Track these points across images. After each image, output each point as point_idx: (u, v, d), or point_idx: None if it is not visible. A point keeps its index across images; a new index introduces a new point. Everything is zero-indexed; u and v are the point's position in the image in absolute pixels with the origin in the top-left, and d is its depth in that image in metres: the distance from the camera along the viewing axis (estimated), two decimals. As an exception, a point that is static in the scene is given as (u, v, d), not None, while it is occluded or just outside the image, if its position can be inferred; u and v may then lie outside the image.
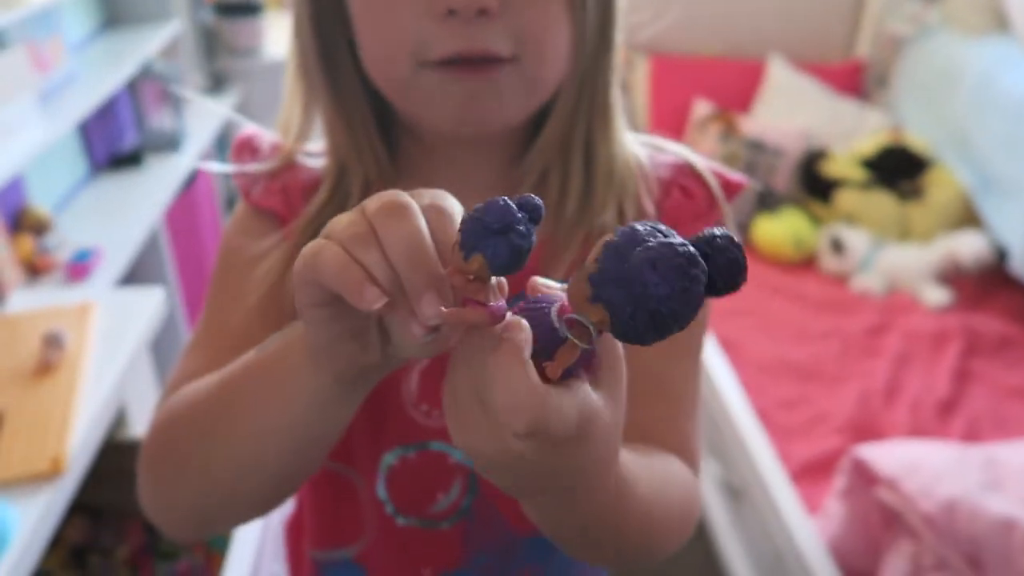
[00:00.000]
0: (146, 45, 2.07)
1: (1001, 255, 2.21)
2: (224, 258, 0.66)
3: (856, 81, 2.98)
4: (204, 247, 2.25)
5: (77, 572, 1.32)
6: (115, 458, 1.27)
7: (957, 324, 2.11)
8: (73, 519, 1.32)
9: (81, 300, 1.40)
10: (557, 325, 0.36)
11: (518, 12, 0.55)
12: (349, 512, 0.70)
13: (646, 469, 0.50)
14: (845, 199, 2.52)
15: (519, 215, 0.35)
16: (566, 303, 0.37)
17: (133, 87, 2.11)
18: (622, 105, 0.65)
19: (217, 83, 2.65)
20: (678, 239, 0.33)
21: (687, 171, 0.66)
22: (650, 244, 0.33)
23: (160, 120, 2.19)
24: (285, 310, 0.60)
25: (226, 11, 2.60)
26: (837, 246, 2.40)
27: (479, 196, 0.63)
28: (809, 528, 1.52)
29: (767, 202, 2.60)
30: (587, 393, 0.38)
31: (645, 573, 1.67)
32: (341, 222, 0.40)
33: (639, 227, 0.34)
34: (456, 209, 0.41)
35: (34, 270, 1.58)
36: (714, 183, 0.66)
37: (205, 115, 2.40)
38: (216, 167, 0.68)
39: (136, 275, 1.89)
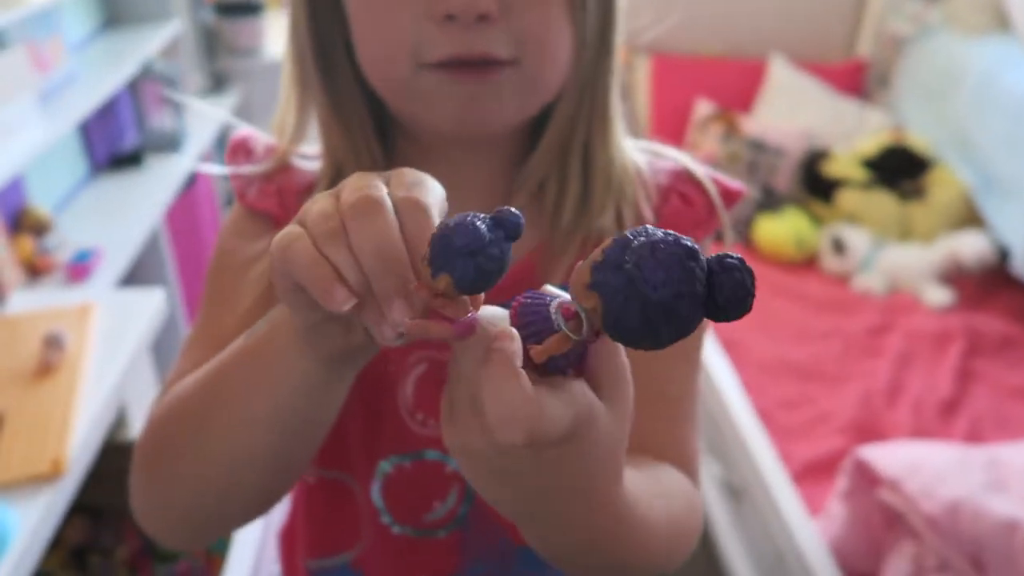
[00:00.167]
0: (146, 45, 2.07)
1: (1003, 255, 2.20)
2: (219, 260, 0.66)
3: (857, 81, 2.97)
4: (204, 247, 2.24)
5: (77, 573, 1.32)
6: (115, 459, 1.27)
7: (959, 324, 2.10)
8: (73, 520, 1.32)
9: (81, 301, 1.40)
10: (554, 318, 0.36)
11: (518, 16, 0.54)
12: (345, 518, 0.69)
13: (646, 489, 0.49)
14: (846, 199, 2.51)
15: (490, 236, 0.34)
16: (568, 304, 0.36)
17: (133, 87, 2.11)
18: (621, 110, 0.64)
19: (218, 83, 2.64)
20: (687, 239, 0.33)
21: (686, 178, 0.66)
22: (656, 235, 0.33)
23: (160, 120, 2.19)
24: None
25: (226, 11, 2.60)
26: (838, 246, 2.39)
27: (476, 199, 0.64)
28: (811, 529, 1.52)
29: (768, 202, 2.60)
30: (582, 392, 0.37)
31: (646, 574, 1.66)
32: (314, 209, 0.39)
33: (652, 228, 0.34)
34: (434, 198, 0.40)
35: (34, 271, 1.58)
36: (713, 190, 0.65)
37: (206, 115, 2.40)
38: (212, 169, 0.68)
39: (136, 276, 1.89)
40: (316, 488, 0.70)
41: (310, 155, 0.67)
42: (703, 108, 2.80)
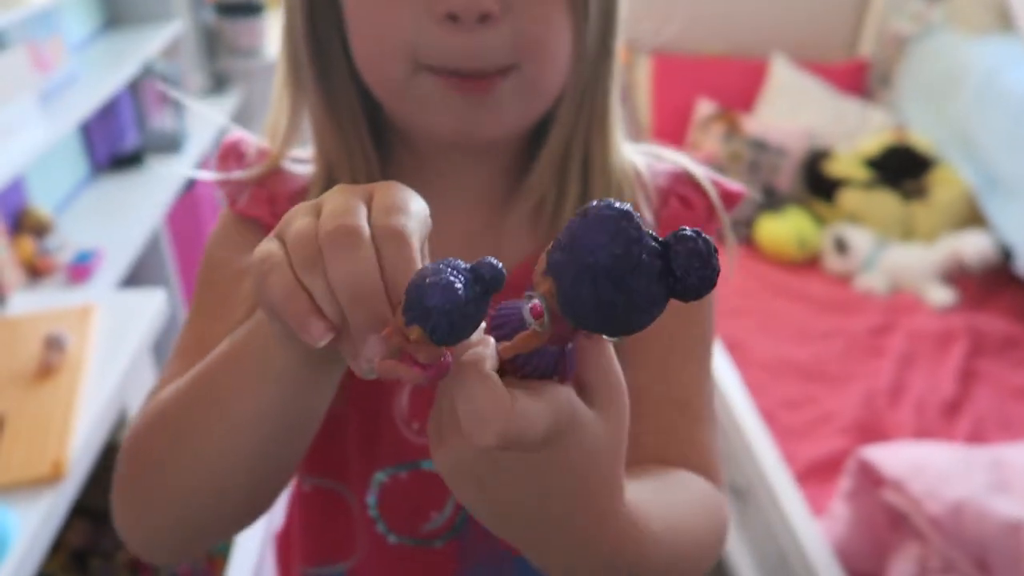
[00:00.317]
0: (147, 45, 2.07)
1: (1006, 254, 2.20)
2: (208, 271, 0.64)
3: (859, 80, 2.97)
4: (206, 248, 2.24)
5: None
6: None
7: (962, 324, 2.10)
8: (74, 523, 1.32)
9: (82, 302, 1.39)
10: (525, 317, 0.35)
11: (519, 17, 0.53)
12: (341, 528, 0.69)
13: (657, 502, 0.47)
14: (849, 199, 2.51)
15: (466, 294, 0.33)
16: (538, 302, 0.36)
17: (134, 87, 2.10)
18: (621, 114, 0.63)
19: (218, 83, 2.64)
20: (629, 208, 0.33)
21: (685, 180, 0.65)
22: (589, 204, 0.33)
23: (161, 121, 2.19)
24: None
25: (227, 11, 2.60)
26: (841, 246, 2.39)
27: (473, 205, 0.63)
28: (814, 530, 1.51)
29: (770, 202, 2.59)
30: (565, 397, 0.36)
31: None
32: (294, 227, 0.39)
33: (610, 199, 0.34)
34: (416, 223, 0.39)
35: (35, 272, 1.58)
36: (713, 192, 0.64)
37: (212, 111, 2.39)
38: (205, 175, 0.66)
39: (137, 277, 1.88)
40: (311, 496, 0.70)
41: (303, 158, 0.65)
42: (704, 108, 2.80)
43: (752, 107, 2.88)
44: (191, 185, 2.15)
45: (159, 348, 1.59)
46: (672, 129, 2.85)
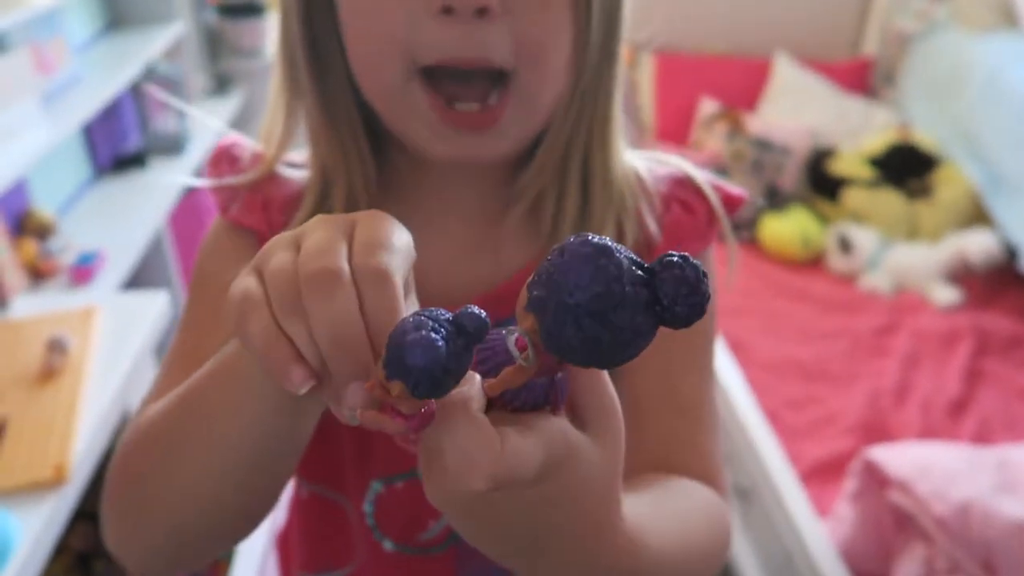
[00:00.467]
0: (149, 47, 2.07)
1: (1011, 253, 2.19)
2: (199, 282, 0.63)
3: (863, 79, 2.96)
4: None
5: (82, 578, 1.32)
6: (119, 464, 1.26)
7: (967, 323, 2.09)
8: (77, 526, 1.31)
9: (85, 304, 1.39)
10: (511, 350, 0.34)
11: (519, 16, 0.51)
12: (338, 537, 0.68)
13: (656, 516, 0.47)
14: (853, 197, 2.50)
15: (447, 350, 0.32)
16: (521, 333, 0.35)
17: (136, 89, 2.10)
18: (623, 121, 0.62)
19: (221, 84, 2.64)
20: (613, 242, 0.32)
21: (686, 184, 0.64)
22: (568, 240, 0.32)
23: (164, 122, 2.19)
24: None
25: (229, 12, 2.59)
26: (845, 245, 2.38)
27: (473, 214, 0.62)
28: (819, 530, 1.51)
29: (774, 201, 2.59)
30: (557, 428, 0.35)
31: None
32: (272, 264, 0.37)
33: (576, 236, 0.33)
34: (399, 260, 0.38)
35: (37, 274, 1.58)
36: (714, 197, 0.63)
37: (209, 117, 2.39)
38: (199, 183, 0.65)
39: (140, 279, 1.88)
40: (309, 503, 0.69)
41: (297, 163, 0.64)
42: (708, 107, 2.79)
43: (755, 106, 2.87)
44: (193, 186, 2.15)
45: (162, 350, 1.58)
46: (675, 128, 2.84)
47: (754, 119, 2.72)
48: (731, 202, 0.64)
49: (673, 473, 0.56)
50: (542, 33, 0.53)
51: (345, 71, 0.58)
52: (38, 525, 0.97)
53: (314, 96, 0.59)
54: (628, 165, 0.63)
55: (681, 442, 0.58)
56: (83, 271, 1.57)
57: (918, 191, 2.48)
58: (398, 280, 0.37)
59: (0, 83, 1.50)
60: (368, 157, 0.60)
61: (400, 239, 0.39)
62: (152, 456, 0.50)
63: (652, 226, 0.61)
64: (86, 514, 1.31)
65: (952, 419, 1.81)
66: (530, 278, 0.33)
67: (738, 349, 2.03)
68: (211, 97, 2.58)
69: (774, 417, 1.81)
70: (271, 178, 0.63)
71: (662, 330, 0.33)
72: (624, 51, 0.59)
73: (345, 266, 0.36)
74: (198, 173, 0.66)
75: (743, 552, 1.79)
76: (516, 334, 0.34)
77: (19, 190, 1.65)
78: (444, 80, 0.53)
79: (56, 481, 1.02)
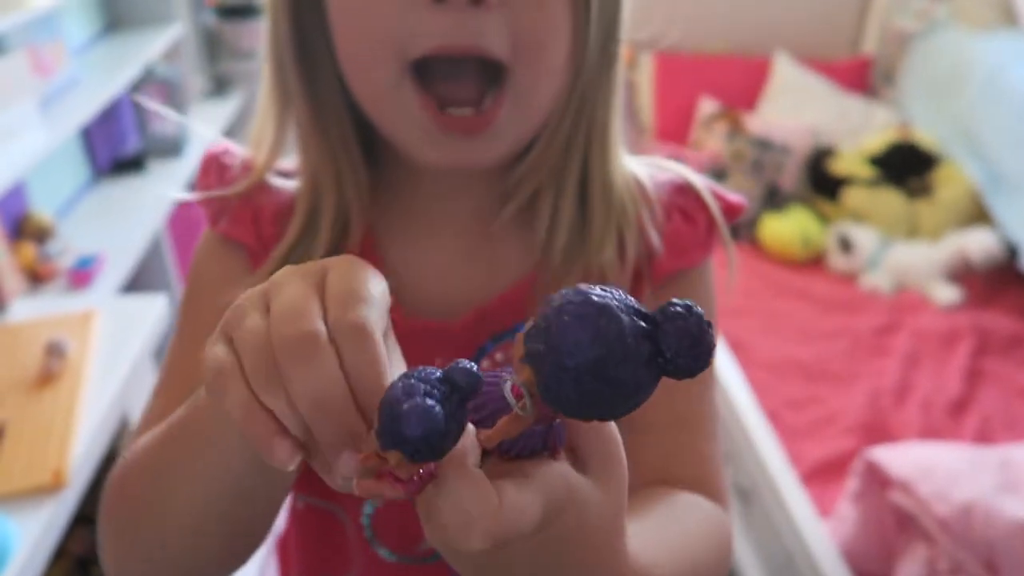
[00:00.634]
0: (148, 48, 2.06)
1: (1012, 252, 2.18)
2: (191, 297, 0.62)
3: (863, 78, 2.96)
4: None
5: (82, 582, 1.31)
6: (119, 468, 1.26)
7: (967, 323, 2.08)
8: (76, 530, 1.31)
9: (83, 308, 1.39)
10: (507, 397, 0.33)
11: (517, 10, 0.50)
12: (335, 546, 0.67)
13: (659, 541, 0.46)
14: (853, 197, 2.50)
15: (444, 414, 0.31)
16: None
17: (135, 91, 2.10)
18: (622, 126, 0.61)
19: (219, 86, 2.64)
20: (613, 296, 0.31)
21: (687, 191, 0.63)
22: (566, 296, 0.31)
23: (163, 124, 2.18)
24: None
25: (228, 13, 2.59)
26: (845, 244, 2.38)
27: (468, 224, 0.61)
28: (821, 531, 1.50)
29: (774, 200, 2.58)
30: (556, 474, 0.34)
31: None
32: (245, 325, 0.35)
33: (570, 290, 0.31)
34: (377, 312, 0.35)
35: (36, 278, 1.57)
36: (714, 205, 0.62)
37: (208, 119, 2.39)
38: (188, 197, 0.63)
39: (139, 282, 1.88)
40: (305, 514, 0.68)
41: (288, 171, 0.62)
42: (707, 106, 2.79)
43: (755, 105, 2.87)
44: (192, 189, 2.15)
45: (161, 354, 1.58)
46: (675, 128, 2.84)
47: (754, 119, 2.71)
48: (731, 209, 0.63)
49: (674, 484, 0.55)
50: (540, 29, 0.51)
51: (335, 75, 0.56)
52: (37, 530, 0.97)
53: (304, 101, 0.57)
54: (628, 172, 0.62)
55: (681, 453, 0.58)
56: (82, 274, 1.56)
57: (918, 190, 2.47)
58: (378, 334, 0.35)
59: (-2, 86, 1.50)
60: (360, 165, 0.59)
61: (376, 288, 0.37)
62: (141, 485, 0.49)
63: (654, 237, 0.60)
64: (85, 518, 1.31)
65: (953, 419, 1.80)
66: (527, 327, 0.32)
67: (738, 349, 2.03)
68: (210, 99, 2.58)
69: (775, 417, 1.80)
70: (261, 187, 0.61)
71: None
72: (624, 52, 0.58)
73: (321, 326, 0.34)
74: (193, 178, 0.64)
75: (744, 553, 1.78)
76: (511, 382, 0.33)
77: (17, 193, 1.65)
78: (436, 80, 0.52)
79: (55, 486, 1.02)
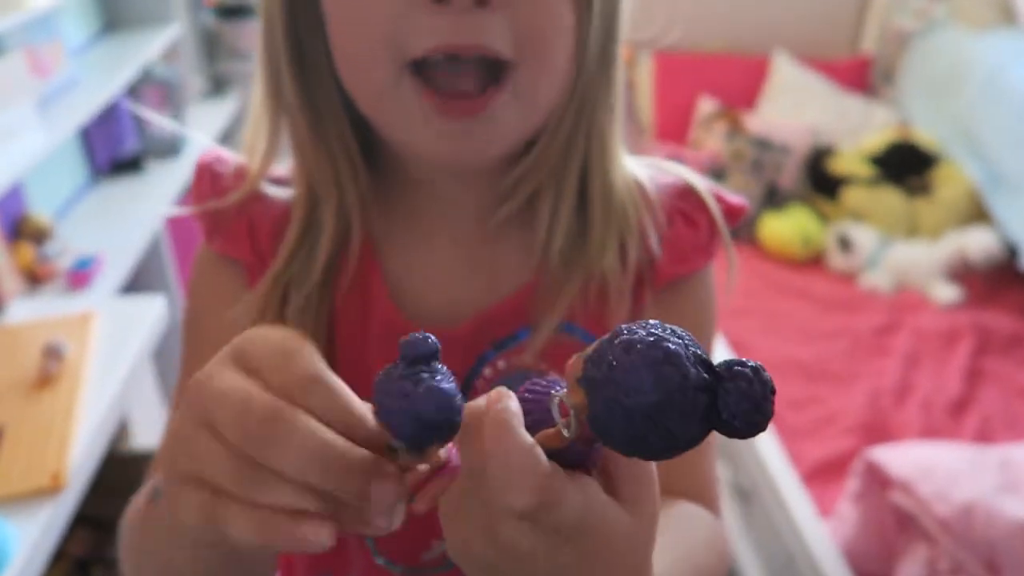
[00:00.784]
0: (146, 49, 2.06)
1: (1011, 251, 2.19)
2: (191, 322, 0.60)
3: (862, 77, 2.95)
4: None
5: (81, 584, 1.31)
6: (117, 470, 1.26)
7: (967, 322, 2.08)
8: (76, 532, 1.31)
9: (82, 309, 1.38)
10: (553, 411, 0.33)
11: (520, 8, 0.48)
12: (338, 558, 0.66)
13: (677, 567, 0.45)
14: (852, 196, 2.50)
15: (446, 383, 0.31)
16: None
17: (134, 92, 2.09)
18: (622, 129, 0.60)
19: (218, 86, 2.63)
20: (684, 343, 0.30)
21: (688, 195, 0.62)
22: (636, 334, 0.30)
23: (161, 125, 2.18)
24: None
25: (226, 13, 2.59)
26: (845, 244, 2.37)
27: (468, 231, 0.60)
28: (821, 531, 1.50)
29: (774, 200, 2.58)
30: (596, 491, 0.34)
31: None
32: (204, 459, 0.32)
33: (642, 325, 0.31)
34: (312, 358, 0.33)
35: (34, 279, 1.57)
36: (716, 209, 0.62)
37: (206, 119, 2.39)
38: (181, 211, 0.62)
39: (138, 283, 1.87)
40: None
41: (281, 178, 0.61)
42: (706, 106, 2.78)
43: (754, 105, 2.87)
44: (191, 189, 2.15)
45: (159, 355, 1.58)
46: (674, 128, 2.84)
47: (753, 118, 2.71)
48: (732, 212, 0.63)
49: (671, 495, 0.55)
50: (544, 27, 0.50)
51: (332, 77, 0.55)
52: (36, 533, 0.97)
53: (300, 105, 0.55)
54: (629, 174, 0.61)
55: (680, 464, 0.58)
56: (80, 275, 1.56)
57: (918, 189, 2.47)
58: (331, 373, 0.33)
59: (-4, 87, 1.49)
60: (360, 168, 0.57)
61: (291, 336, 0.34)
62: (130, 553, 0.49)
63: (655, 241, 0.60)
64: (85, 519, 1.31)
65: (953, 418, 1.80)
66: (587, 350, 0.31)
67: (738, 349, 2.03)
68: (209, 99, 2.57)
69: (775, 417, 1.78)
70: (255, 197, 0.60)
71: None
72: (623, 52, 0.57)
73: (275, 399, 0.32)
74: (193, 178, 0.63)
75: (745, 553, 1.78)
76: (561, 399, 0.33)
77: (15, 194, 1.64)
78: (436, 74, 0.50)
79: (53, 488, 1.02)
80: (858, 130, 2.73)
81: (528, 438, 0.32)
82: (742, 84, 2.89)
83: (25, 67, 1.59)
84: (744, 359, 0.30)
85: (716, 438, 0.61)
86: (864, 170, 2.52)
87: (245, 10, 2.59)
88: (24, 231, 1.63)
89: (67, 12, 1.98)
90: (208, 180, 0.61)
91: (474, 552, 0.34)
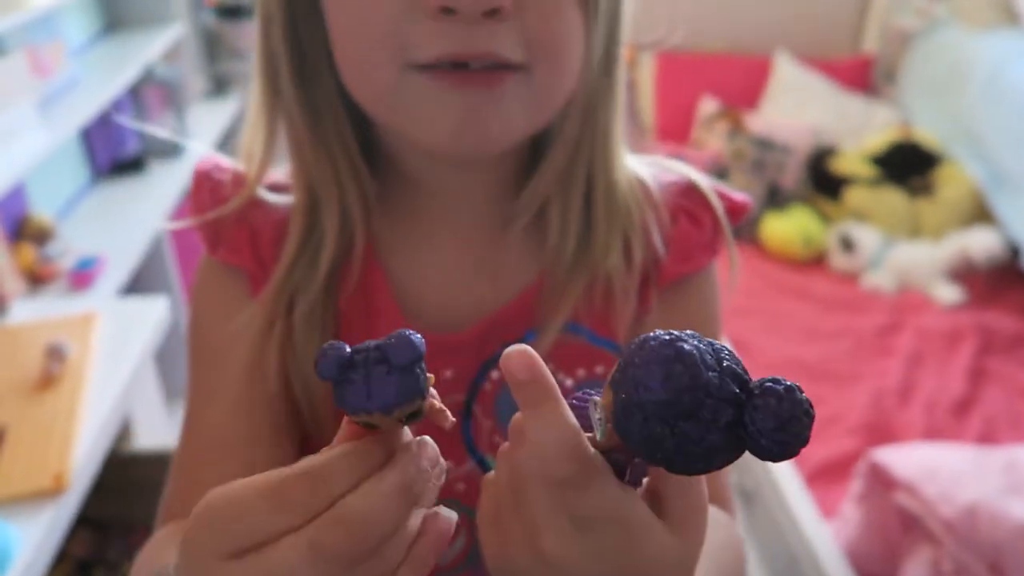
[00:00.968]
0: (147, 49, 2.06)
1: (1014, 251, 2.18)
2: (196, 337, 0.60)
3: (864, 77, 2.95)
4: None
5: (83, 586, 1.31)
6: (120, 471, 1.25)
7: (970, 322, 2.08)
8: (78, 533, 1.31)
9: (84, 310, 1.38)
10: (593, 420, 0.34)
11: (531, 13, 0.47)
12: None
13: (710, 567, 0.44)
14: (854, 196, 2.49)
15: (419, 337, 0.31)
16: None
17: (135, 92, 2.09)
18: (624, 128, 0.59)
19: (219, 86, 2.63)
20: (708, 351, 0.30)
21: (692, 193, 0.62)
22: (656, 336, 0.31)
23: (162, 125, 2.18)
24: (268, 388, 0.55)
25: (227, 13, 2.59)
26: (847, 244, 2.37)
27: (471, 234, 0.60)
28: (824, 532, 1.50)
29: (775, 200, 2.58)
30: (634, 498, 0.34)
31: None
32: None
33: (693, 335, 0.31)
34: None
35: (36, 279, 1.57)
36: (720, 206, 0.61)
37: (208, 119, 2.39)
38: (180, 224, 0.61)
39: (139, 283, 1.87)
40: None
41: (279, 183, 0.60)
42: (708, 105, 2.78)
43: (756, 105, 2.87)
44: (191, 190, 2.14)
45: (162, 356, 1.57)
46: (675, 127, 2.84)
47: (755, 118, 2.71)
48: (736, 209, 0.62)
49: None
50: (556, 33, 0.49)
51: (332, 76, 0.54)
52: (38, 534, 0.96)
53: (299, 107, 0.54)
54: (632, 174, 0.61)
55: None
56: (82, 276, 1.56)
57: (920, 189, 2.47)
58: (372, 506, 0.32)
59: (-3, 87, 1.49)
60: (363, 170, 0.56)
61: (259, 478, 0.32)
62: None
63: (659, 240, 0.59)
64: (87, 521, 1.30)
65: (956, 419, 1.80)
66: (625, 351, 0.32)
67: (741, 349, 2.02)
68: (209, 99, 2.57)
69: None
70: (255, 203, 0.59)
71: None
72: (625, 52, 0.57)
73: (300, 485, 0.31)
74: (194, 178, 0.63)
75: (748, 554, 1.78)
76: (596, 403, 0.34)
77: (17, 195, 1.64)
78: (443, 72, 0.49)
79: (56, 489, 1.01)
80: (860, 130, 2.73)
81: (571, 416, 0.33)
82: (743, 84, 2.88)
83: (26, 67, 1.58)
84: (780, 378, 0.29)
85: None
86: (866, 170, 2.51)
87: (246, 10, 2.59)
88: (26, 232, 1.63)
89: (68, 12, 1.98)
90: (207, 189, 0.60)
91: (513, 559, 0.35)
